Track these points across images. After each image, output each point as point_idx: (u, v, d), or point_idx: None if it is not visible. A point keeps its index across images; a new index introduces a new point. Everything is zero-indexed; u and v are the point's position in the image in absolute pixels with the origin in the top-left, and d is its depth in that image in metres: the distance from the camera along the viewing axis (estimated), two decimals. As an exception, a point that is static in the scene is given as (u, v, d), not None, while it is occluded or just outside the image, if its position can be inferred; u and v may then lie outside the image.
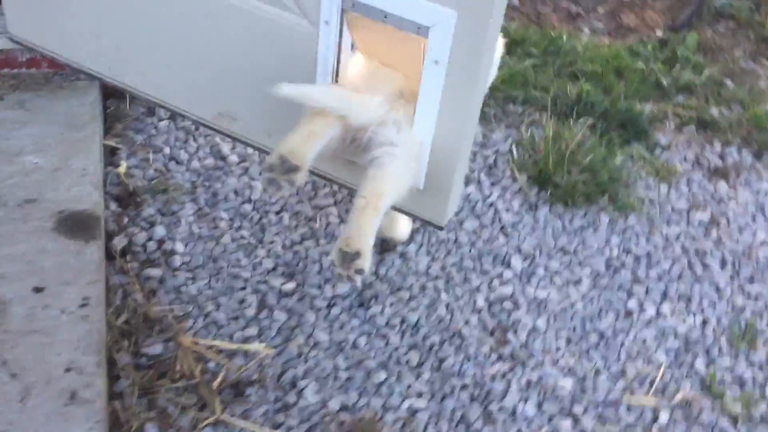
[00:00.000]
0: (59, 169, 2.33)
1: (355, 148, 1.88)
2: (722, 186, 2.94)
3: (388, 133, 1.83)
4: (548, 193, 2.70)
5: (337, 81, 1.92)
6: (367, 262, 1.67)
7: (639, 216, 2.71)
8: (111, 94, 2.76)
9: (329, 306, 2.24)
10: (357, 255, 1.66)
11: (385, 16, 1.76)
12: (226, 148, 2.66)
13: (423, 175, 1.93)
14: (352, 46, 1.93)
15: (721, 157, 3.09)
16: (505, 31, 2.89)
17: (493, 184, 2.73)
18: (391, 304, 2.28)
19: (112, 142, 2.61)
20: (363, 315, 2.24)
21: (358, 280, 1.70)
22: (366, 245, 1.68)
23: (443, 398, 2.07)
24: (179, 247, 2.32)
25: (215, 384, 1.98)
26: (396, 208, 1.98)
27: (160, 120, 2.73)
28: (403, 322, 2.24)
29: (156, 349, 2.03)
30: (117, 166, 2.51)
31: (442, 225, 2.05)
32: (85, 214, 2.20)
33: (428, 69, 1.78)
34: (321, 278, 2.31)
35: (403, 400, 2.04)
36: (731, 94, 3.47)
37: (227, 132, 2.22)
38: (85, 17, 2.24)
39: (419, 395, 2.06)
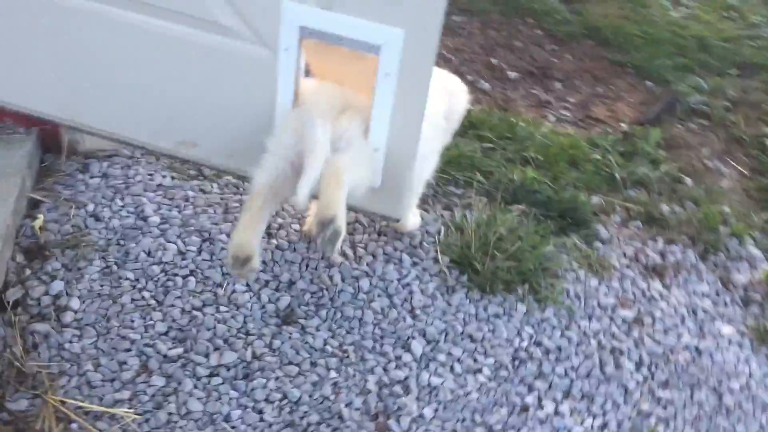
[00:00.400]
0: (-32, 217, 2.37)
1: None
2: (656, 284, 2.86)
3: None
4: (467, 277, 2.66)
5: (296, 104, 2.12)
6: (342, 223, 1.88)
7: (558, 308, 2.64)
8: (49, 148, 2.83)
9: (211, 375, 2.21)
10: (332, 220, 1.84)
11: (341, 40, 2.00)
12: (149, 208, 2.69)
13: (379, 175, 2.18)
14: (306, 71, 2.15)
15: (662, 254, 3.02)
16: (467, 114, 2.92)
17: (414, 264, 2.70)
18: (277, 378, 2.24)
19: (37, 195, 2.66)
20: (244, 387, 2.19)
21: (335, 252, 2.02)
22: (340, 209, 1.88)
23: (306, 482, 2.00)
24: (75, 303, 2.32)
25: (72, 446, 1.95)
26: (359, 210, 2.37)
27: (92, 177, 2.79)
28: (284, 397, 2.20)
29: (20, 404, 2.02)
30: (35, 218, 2.56)
31: (398, 217, 2.41)
32: (-19, 264, 2.23)
33: (381, 81, 2.03)
34: (211, 345, 2.29)
35: (262, 480, 1.98)
36: (687, 191, 3.41)
37: (188, 158, 2.38)
38: (40, 67, 2.33)
39: (281, 476, 2.00)
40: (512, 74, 4.21)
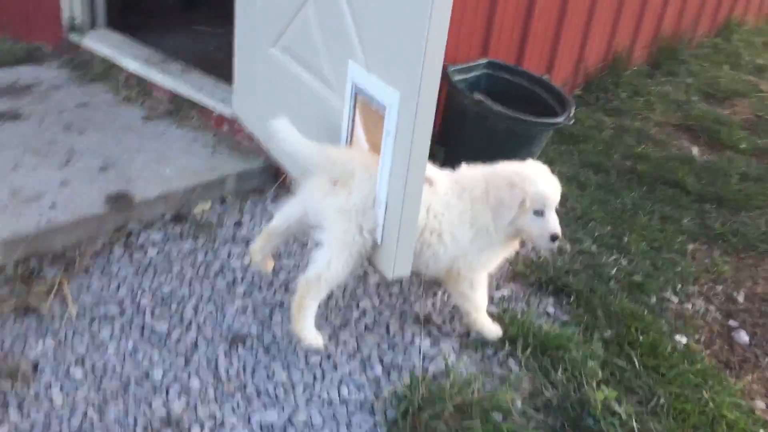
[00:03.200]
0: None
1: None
2: None
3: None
4: None
5: (351, 143, 2.79)
6: (307, 336, 2.61)
7: None
8: (276, 176, 3.73)
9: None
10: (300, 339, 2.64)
11: (372, 99, 2.53)
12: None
13: (380, 231, 2.56)
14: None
15: None
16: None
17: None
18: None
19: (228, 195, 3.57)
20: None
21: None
22: (304, 330, 2.60)
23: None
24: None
25: None
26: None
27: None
28: None
29: None
30: (205, 202, 3.45)
31: (390, 278, 2.62)
32: None
33: (384, 139, 2.46)
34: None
35: None
36: None
37: None
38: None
39: None
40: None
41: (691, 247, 3.92)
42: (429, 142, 2.36)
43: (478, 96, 3.62)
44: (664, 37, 6.60)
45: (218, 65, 4.29)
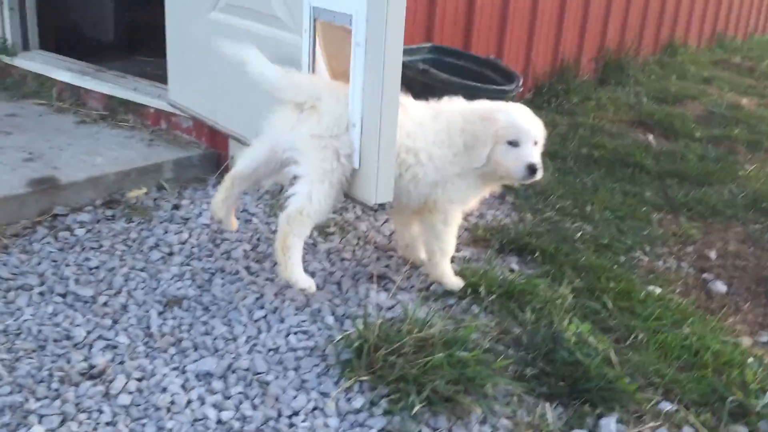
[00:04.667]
0: None
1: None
2: None
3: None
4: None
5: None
6: (297, 278, 2.43)
7: None
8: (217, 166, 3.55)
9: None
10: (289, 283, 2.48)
11: (334, 16, 2.44)
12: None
13: (357, 154, 2.42)
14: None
15: None
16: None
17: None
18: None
19: (165, 183, 3.34)
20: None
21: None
22: (293, 273, 2.43)
23: None
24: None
25: None
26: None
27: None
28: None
29: None
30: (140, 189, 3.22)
31: (372, 206, 2.44)
32: None
33: (354, 51, 2.34)
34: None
35: None
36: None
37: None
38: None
39: None
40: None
41: (656, 216, 3.78)
42: (402, 49, 2.25)
43: (422, 66, 3.51)
44: (610, 51, 6.67)
45: (156, 78, 4.14)
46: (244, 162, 2.60)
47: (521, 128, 2.52)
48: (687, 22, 8.16)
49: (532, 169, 2.49)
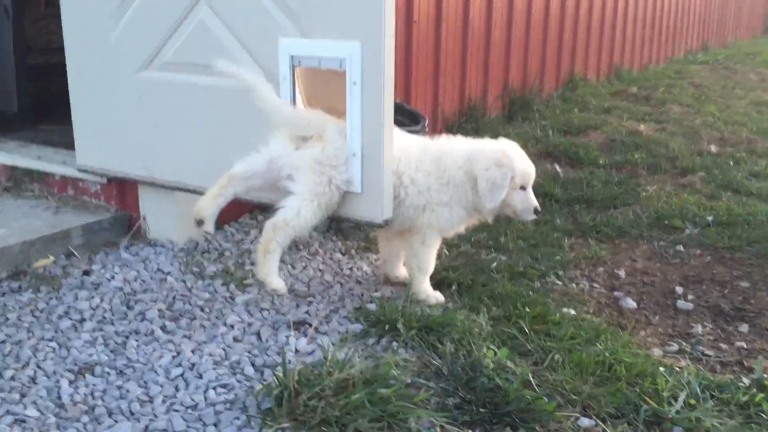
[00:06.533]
0: None
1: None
2: None
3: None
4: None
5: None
6: (270, 279, 2.82)
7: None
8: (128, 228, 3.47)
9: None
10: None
11: (319, 62, 2.69)
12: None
13: (359, 181, 2.70)
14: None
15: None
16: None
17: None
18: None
19: (74, 250, 3.24)
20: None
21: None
22: (268, 275, 2.81)
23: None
24: None
25: None
26: (345, 219, 2.86)
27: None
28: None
29: None
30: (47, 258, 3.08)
31: (380, 222, 2.73)
32: None
33: (350, 90, 2.61)
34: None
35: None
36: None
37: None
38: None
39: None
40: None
41: (567, 241, 3.91)
42: (393, 85, 2.57)
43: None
44: (514, 89, 6.94)
45: (62, 146, 4.07)
46: (242, 166, 2.78)
47: (531, 175, 2.90)
48: (585, 56, 8.56)
49: (536, 211, 2.94)
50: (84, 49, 3.30)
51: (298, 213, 2.68)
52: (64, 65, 3.42)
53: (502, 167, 2.78)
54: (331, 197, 2.71)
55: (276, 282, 2.80)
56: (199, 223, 2.77)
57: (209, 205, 2.75)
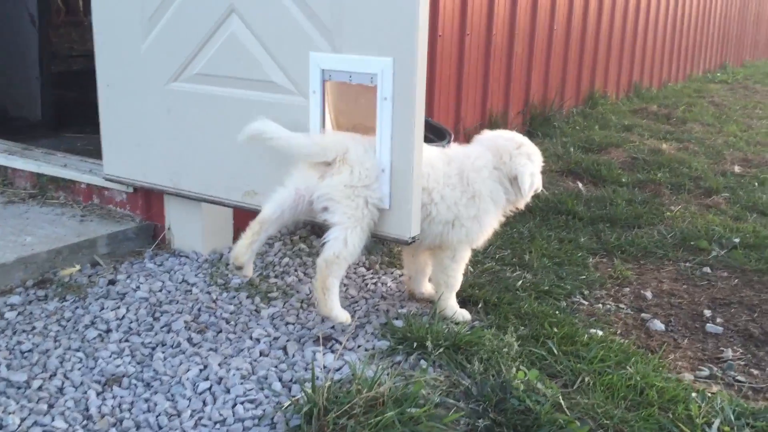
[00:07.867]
0: None
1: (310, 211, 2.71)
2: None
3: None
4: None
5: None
6: (336, 314, 2.67)
7: None
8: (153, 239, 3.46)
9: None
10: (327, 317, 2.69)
11: (350, 76, 2.67)
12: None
13: (387, 197, 2.66)
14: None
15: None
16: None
17: None
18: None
19: (99, 259, 3.25)
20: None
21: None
22: (333, 312, 2.66)
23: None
24: None
25: None
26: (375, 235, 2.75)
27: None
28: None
29: None
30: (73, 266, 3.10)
31: (407, 239, 2.69)
32: None
33: (380, 105, 2.59)
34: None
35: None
36: None
37: (252, 207, 2.97)
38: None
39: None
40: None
41: (592, 260, 3.87)
42: (424, 101, 2.58)
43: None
44: (535, 104, 6.92)
45: (86, 153, 4.09)
46: (271, 207, 2.70)
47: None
48: (605, 73, 8.54)
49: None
50: (114, 59, 3.31)
51: (345, 243, 2.60)
52: (84, 73, 3.43)
53: (531, 156, 2.94)
54: (371, 217, 2.66)
55: (342, 315, 2.68)
56: (238, 268, 2.72)
57: (244, 253, 2.68)
